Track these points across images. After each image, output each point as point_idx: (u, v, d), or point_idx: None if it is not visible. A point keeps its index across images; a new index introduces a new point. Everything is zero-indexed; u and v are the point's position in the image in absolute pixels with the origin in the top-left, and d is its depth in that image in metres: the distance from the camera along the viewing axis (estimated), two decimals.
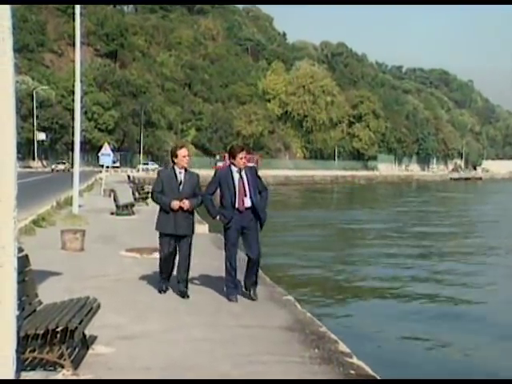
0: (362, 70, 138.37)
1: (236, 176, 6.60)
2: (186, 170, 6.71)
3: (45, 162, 70.44)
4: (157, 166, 70.65)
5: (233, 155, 6.60)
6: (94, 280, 7.84)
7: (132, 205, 18.48)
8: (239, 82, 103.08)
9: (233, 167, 6.63)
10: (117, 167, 67.30)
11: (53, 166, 61.67)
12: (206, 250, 10.43)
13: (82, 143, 19.12)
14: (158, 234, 6.94)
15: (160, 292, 6.94)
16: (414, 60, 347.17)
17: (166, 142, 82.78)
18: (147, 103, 79.77)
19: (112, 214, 17.68)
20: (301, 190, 58.63)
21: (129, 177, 39.12)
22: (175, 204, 6.58)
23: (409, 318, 10.19)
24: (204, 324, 5.85)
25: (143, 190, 27.84)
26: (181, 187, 6.65)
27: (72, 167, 24.38)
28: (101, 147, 29.69)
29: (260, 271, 6.90)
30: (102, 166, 29.81)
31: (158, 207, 6.90)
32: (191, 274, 7.07)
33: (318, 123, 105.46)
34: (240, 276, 6.94)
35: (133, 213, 17.91)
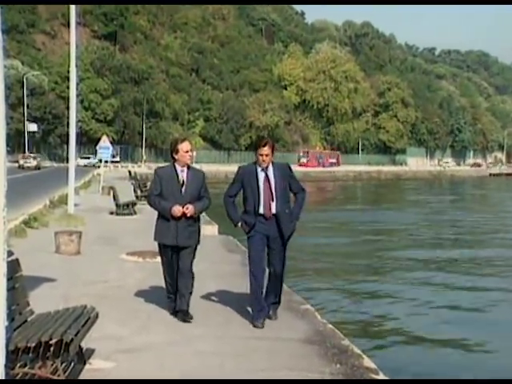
0: (389, 53, 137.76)
1: (261, 176, 6.09)
2: (188, 167, 6.23)
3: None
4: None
5: (255, 150, 6.13)
6: (92, 287, 7.85)
7: (133, 204, 18.54)
8: (252, 68, 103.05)
9: (258, 165, 6.14)
10: (117, 162, 67.65)
11: (21, 162, 52.06)
12: (216, 254, 10.43)
13: (77, 135, 19.18)
14: (157, 244, 6.47)
15: (173, 314, 6.43)
16: (449, 41, 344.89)
17: (170, 133, 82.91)
18: (150, 91, 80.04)
19: (111, 213, 17.75)
20: (320, 188, 58.50)
21: (130, 173, 39.14)
22: (177, 210, 6.05)
23: (441, 327, 10.12)
24: (213, 336, 5.84)
25: (146, 187, 27.91)
26: (183, 189, 6.15)
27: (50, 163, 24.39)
28: (99, 140, 29.86)
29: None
30: (101, 160, 29.98)
31: (156, 212, 6.37)
32: (199, 279, 6.82)
33: (340, 113, 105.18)
34: None
35: (134, 212, 17.97)
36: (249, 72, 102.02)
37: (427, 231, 25.45)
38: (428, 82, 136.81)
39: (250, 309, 6.40)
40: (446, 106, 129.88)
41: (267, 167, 6.11)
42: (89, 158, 67.70)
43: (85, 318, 4.62)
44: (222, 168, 72.48)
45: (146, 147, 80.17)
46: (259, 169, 6.12)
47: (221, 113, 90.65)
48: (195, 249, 6.31)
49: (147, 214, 18.07)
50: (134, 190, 23.46)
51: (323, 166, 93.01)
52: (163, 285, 6.46)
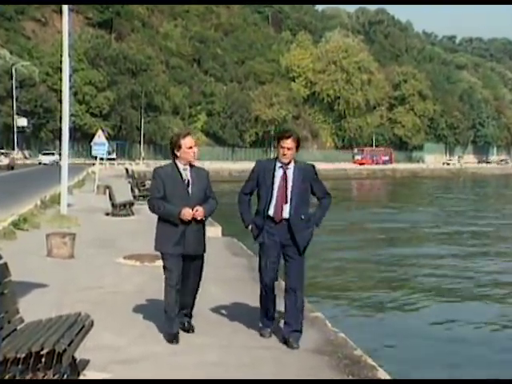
0: (405, 42, 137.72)
1: (279, 173, 5.78)
2: (191, 165, 5.91)
3: (27, 153, 71.11)
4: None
5: (277, 142, 5.84)
6: (87, 293, 7.85)
7: (131, 204, 18.56)
8: (258, 58, 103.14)
9: (277, 161, 5.82)
10: (113, 159, 67.79)
11: None
12: (220, 257, 10.40)
13: (71, 130, 19.23)
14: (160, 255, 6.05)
15: (172, 341, 5.81)
16: (470, 28, 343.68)
17: (170, 129, 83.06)
18: (149, 83, 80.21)
19: (107, 214, 17.78)
20: (331, 187, 58.30)
21: (127, 170, 39.27)
22: (187, 213, 5.71)
23: (460, 342, 10.07)
24: (217, 345, 5.83)
25: (144, 186, 27.95)
26: (189, 190, 5.83)
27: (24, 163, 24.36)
28: (94, 135, 29.90)
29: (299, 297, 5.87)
30: (96, 157, 30.02)
31: (150, 224, 6.09)
32: (202, 285, 6.62)
33: (352, 106, 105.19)
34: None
35: (132, 213, 18.00)
36: (254, 63, 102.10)
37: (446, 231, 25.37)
38: (447, 73, 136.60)
39: (260, 323, 6.20)
40: (467, 99, 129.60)
41: (288, 164, 5.76)
42: (53, 153, 61.89)
43: (79, 327, 4.60)
44: (225, 166, 72.54)
45: (144, 143, 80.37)
46: (278, 165, 5.79)
47: (224, 106, 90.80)
48: (202, 256, 6.05)
49: (145, 215, 18.07)
50: (132, 189, 23.50)
51: (377, 164, 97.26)
52: (163, 290, 6.19)
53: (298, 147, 5.78)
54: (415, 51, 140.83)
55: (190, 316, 6.21)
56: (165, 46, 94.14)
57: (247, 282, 8.92)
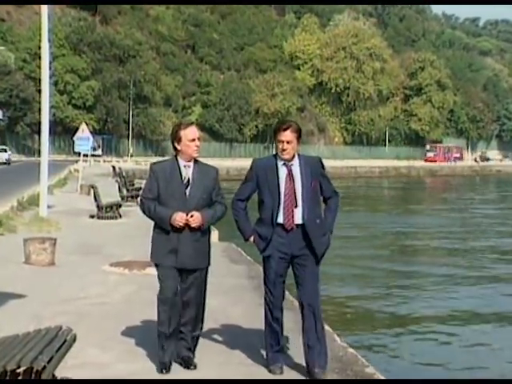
0: (423, 26, 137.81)
1: (282, 171, 5.42)
2: (195, 161, 5.52)
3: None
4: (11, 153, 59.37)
5: (274, 134, 5.48)
6: (69, 304, 7.83)
7: (118, 205, 18.57)
8: (259, 44, 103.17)
9: (279, 158, 5.46)
10: (98, 156, 67.78)
11: None
12: (217, 265, 10.35)
13: (51, 124, 19.19)
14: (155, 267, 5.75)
15: (162, 370, 5.47)
16: (495, 10, 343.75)
17: (162, 122, 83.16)
18: (137, 71, 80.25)
19: (92, 216, 17.78)
20: (340, 186, 58.36)
21: (114, 168, 39.34)
22: (179, 218, 5.33)
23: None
24: (215, 362, 5.81)
25: (133, 185, 28.02)
26: (188, 191, 5.43)
27: None
28: (77, 129, 29.90)
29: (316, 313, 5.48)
30: (79, 154, 30.02)
31: (152, 222, 5.63)
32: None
33: (363, 97, 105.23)
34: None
35: (119, 215, 18.01)
36: (255, 49, 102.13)
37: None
38: (470, 60, 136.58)
39: (265, 354, 5.76)
40: (491, 88, 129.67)
41: (291, 160, 5.40)
42: (4, 150, 57.75)
43: (60, 342, 4.58)
44: (223, 163, 72.59)
45: (132, 138, 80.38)
46: (280, 163, 5.42)
47: (221, 97, 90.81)
48: (206, 272, 5.61)
49: (135, 218, 18.08)
50: (119, 189, 23.52)
51: (449, 161, 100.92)
52: (155, 300, 5.97)
53: (299, 138, 5.41)
54: (433, 36, 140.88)
55: (193, 348, 5.65)
56: (155, 30, 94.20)
57: (248, 291, 8.90)
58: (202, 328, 5.70)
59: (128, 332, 6.70)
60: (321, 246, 5.45)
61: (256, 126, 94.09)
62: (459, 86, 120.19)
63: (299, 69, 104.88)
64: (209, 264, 5.62)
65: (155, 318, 6.68)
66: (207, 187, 5.50)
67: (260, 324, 7.19)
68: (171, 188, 5.44)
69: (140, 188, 25.76)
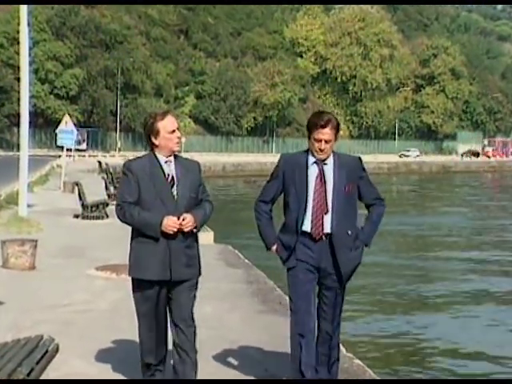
0: (436, 9, 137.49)
1: (313, 171, 5.09)
2: (176, 157, 5.15)
3: None
4: None
5: (308, 132, 5.12)
6: (51, 311, 7.81)
7: (105, 204, 18.56)
8: (257, 29, 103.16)
9: (310, 155, 5.12)
10: (83, 150, 67.76)
11: None
12: (213, 269, 10.35)
13: (31, 115, 19.14)
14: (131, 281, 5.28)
15: None
16: None
17: None
18: (126, 58, 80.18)
19: (76, 216, 17.78)
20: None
21: (100, 164, 39.36)
22: (172, 223, 4.92)
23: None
24: (211, 374, 5.80)
25: None
26: (174, 190, 5.05)
27: None
28: (59, 121, 29.86)
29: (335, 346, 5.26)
30: (62, 148, 29.98)
31: (129, 228, 5.18)
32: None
33: (371, 87, 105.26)
34: None
35: (106, 215, 18.00)
36: (253, 34, 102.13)
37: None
38: (487, 46, 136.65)
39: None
40: (510, 77, 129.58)
41: (325, 159, 5.08)
42: None
43: (41, 352, 4.57)
44: (219, 158, 72.65)
45: (120, 131, 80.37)
46: (311, 160, 5.08)
47: (217, 87, 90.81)
48: (197, 282, 5.21)
49: None
50: (106, 187, 23.51)
51: (506, 156, 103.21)
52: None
53: (337, 135, 5.08)
54: (447, 19, 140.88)
55: (196, 371, 5.19)
56: (145, 14, 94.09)
57: (246, 297, 8.88)
58: (196, 351, 5.18)
59: (115, 342, 6.68)
60: (347, 263, 5.06)
61: (254, 118, 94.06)
62: (475, 75, 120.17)
63: (301, 56, 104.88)
64: (200, 273, 5.22)
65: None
66: (194, 184, 5.14)
67: (259, 332, 7.20)
68: (155, 189, 5.00)
69: None
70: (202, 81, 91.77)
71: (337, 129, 5.06)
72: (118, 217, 5.15)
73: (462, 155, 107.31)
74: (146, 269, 5.02)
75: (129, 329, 7.12)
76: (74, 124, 30.61)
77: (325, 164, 5.07)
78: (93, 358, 6.16)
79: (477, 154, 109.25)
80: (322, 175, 5.05)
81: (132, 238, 5.16)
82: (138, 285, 5.12)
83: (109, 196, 22.07)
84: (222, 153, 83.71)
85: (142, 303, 5.16)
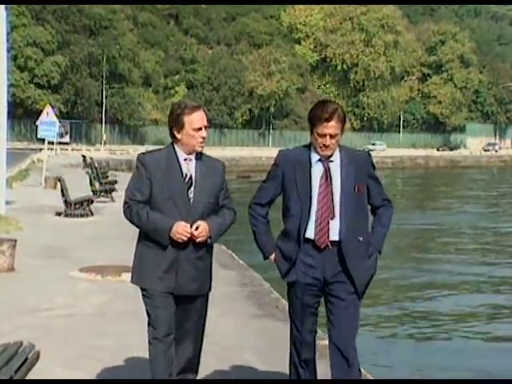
0: None
1: (317, 169, 4.77)
2: (198, 155, 4.90)
3: None
4: None
5: (311, 125, 4.84)
6: (31, 316, 7.80)
7: (89, 201, 18.53)
8: (253, 14, 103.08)
9: (313, 151, 4.82)
10: (65, 143, 67.62)
11: None
12: None
13: (9, 105, 19.10)
14: (135, 282, 5.04)
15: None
16: None
17: (140, 104, 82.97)
18: (112, 45, 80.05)
19: (59, 214, 17.74)
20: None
21: (84, 158, 39.26)
22: (182, 230, 4.67)
23: None
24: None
25: (107, 177, 27.94)
26: (191, 193, 4.80)
27: None
28: (40, 112, 29.78)
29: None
30: (43, 141, 29.91)
31: (136, 231, 4.96)
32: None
33: (373, 76, 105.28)
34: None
35: (91, 213, 18.00)
36: (248, 20, 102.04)
37: None
38: (498, 31, 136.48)
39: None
40: None
41: (331, 156, 4.77)
42: None
43: (20, 360, 4.55)
44: (211, 153, 71.59)
45: (106, 123, 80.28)
46: (315, 157, 4.78)
47: (210, 76, 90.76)
48: (207, 300, 5.02)
49: (109, 215, 18.03)
50: (91, 183, 23.43)
51: None
52: (131, 311, 5.95)
53: (343, 129, 4.76)
54: (456, 4, 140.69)
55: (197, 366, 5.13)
56: None
57: (240, 301, 8.88)
58: (197, 371, 5.07)
59: (101, 347, 6.67)
60: (362, 273, 4.77)
61: (249, 110, 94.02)
62: (486, 63, 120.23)
63: (299, 43, 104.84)
64: (209, 289, 5.00)
65: (131, 331, 6.67)
66: (214, 188, 4.86)
67: (255, 337, 7.20)
68: (168, 189, 4.75)
69: (115, 181, 25.74)
70: (194, 69, 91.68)
71: (343, 121, 4.73)
72: (125, 215, 4.88)
73: (437, 149, 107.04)
74: (148, 277, 4.79)
75: (114, 334, 7.12)
76: (56, 115, 30.53)
77: (330, 161, 4.74)
78: (76, 366, 6.13)
79: (452, 149, 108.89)
80: (327, 174, 4.72)
81: (138, 240, 4.91)
82: (147, 292, 4.85)
83: (94, 192, 21.99)
84: (214, 147, 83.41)
85: (153, 312, 4.82)
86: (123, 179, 29.97)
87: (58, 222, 16.92)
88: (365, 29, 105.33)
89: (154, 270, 4.76)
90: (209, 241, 4.77)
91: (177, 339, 4.87)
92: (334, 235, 4.69)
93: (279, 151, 5.01)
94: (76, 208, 17.84)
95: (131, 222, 4.84)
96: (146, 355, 4.77)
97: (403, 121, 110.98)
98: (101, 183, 24.45)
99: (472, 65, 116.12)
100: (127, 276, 9.30)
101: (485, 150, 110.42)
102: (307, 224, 4.72)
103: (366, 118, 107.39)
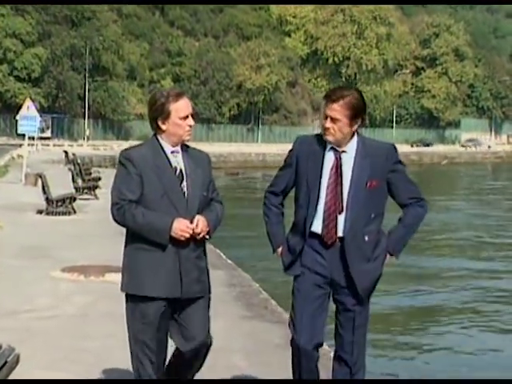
0: None
1: (329, 159, 4.59)
2: (182, 147, 4.73)
3: None
4: None
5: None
6: (11, 318, 7.77)
7: (72, 198, 18.47)
8: (241, 5, 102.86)
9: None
10: (47, 138, 67.42)
11: None
12: None
13: None
14: (124, 287, 4.65)
15: None
16: None
17: (125, 98, 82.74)
18: (95, 36, 79.78)
19: (40, 212, 17.69)
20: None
21: (67, 154, 39.15)
22: (183, 227, 4.46)
23: None
24: None
25: (90, 174, 27.88)
26: (184, 187, 4.60)
27: None
28: (21, 106, 29.67)
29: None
30: (24, 136, 29.79)
31: (120, 228, 4.73)
32: None
33: (366, 70, 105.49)
34: None
35: (73, 211, 17.94)
36: (236, 11, 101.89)
37: None
38: (494, 24, 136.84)
39: None
40: None
41: (343, 145, 4.57)
42: None
43: (0, 363, 4.52)
44: (198, 148, 72.08)
45: (89, 118, 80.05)
46: (329, 146, 4.58)
47: (197, 69, 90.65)
48: (209, 302, 4.79)
49: (92, 213, 17.99)
50: (73, 179, 23.38)
51: None
52: (114, 312, 5.89)
53: (355, 118, 4.53)
54: None
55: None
56: None
57: (229, 303, 8.87)
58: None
59: (85, 350, 6.66)
60: (363, 276, 4.53)
61: (238, 105, 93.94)
62: (481, 56, 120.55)
63: (289, 35, 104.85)
64: (209, 291, 4.76)
65: (115, 333, 6.65)
66: (204, 181, 4.69)
67: (243, 339, 7.19)
68: (162, 185, 4.51)
69: (98, 178, 25.70)
70: (180, 62, 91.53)
71: (353, 110, 4.49)
72: (115, 218, 4.56)
73: (411, 145, 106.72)
74: (149, 283, 4.49)
75: (97, 336, 7.10)
76: (37, 109, 30.40)
77: (344, 152, 4.55)
78: (57, 369, 6.11)
79: (428, 145, 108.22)
80: (338, 166, 4.53)
81: (127, 243, 4.61)
82: (135, 302, 4.54)
83: (76, 189, 21.94)
84: (201, 142, 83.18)
85: (141, 325, 4.53)
86: (107, 176, 29.91)
87: (39, 220, 16.86)
88: (357, 21, 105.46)
89: (153, 274, 4.48)
90: (207, 237, 4.58)
91: (185, 345, 4.62)
92: (340, 231, 4.51)
93: (297, 137, 4.84)
94: (58, 206, 17.77)
95: (123, 225, 4.54)
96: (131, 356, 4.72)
97: (396, 116, 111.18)
98: (84, 180, 24.40)
99: (467, 58, 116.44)
100: (111, 276, 9.28)
101: (462, 146, 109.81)
102: (314, 216, 4.54)
103: None
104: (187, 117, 4.63)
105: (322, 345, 4.66)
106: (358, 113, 4.52)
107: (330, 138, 4.51)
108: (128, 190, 4.49)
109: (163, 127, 4.58)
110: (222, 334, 7.32)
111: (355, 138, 4.59)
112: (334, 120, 4.48)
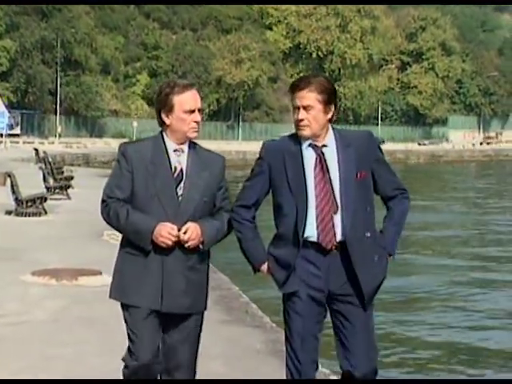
0: None
1: (309, 157, 4.34)
2: (191, 145, 4.49)
3: None
4: None
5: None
6: None
7: (43, 198, 18.41)
8: None
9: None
10: (16, 135, 67.08)
11: None
12: None
13: None
14: (111, 292, 4.53)
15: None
16: None
17: (98, 93, 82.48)
18: (66, 28, 79.52)
19: (9, 213, 17.63)
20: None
21: (37, 152, 39.00)
22: (165, 233, 4.24)
23: None
24: None
25: (62, 173, 27.76)
26: (180, 189, 4.38)
27: None
28: None
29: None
30: None
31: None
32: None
33: (350, 64, 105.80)
34: None
35: (44, 211, 17.88)
36: (215, 3, 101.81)
37: None
38: (482, 17, 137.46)
39: None
40: (508, 53, 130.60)
41: (322, 140, 4.34)
42: None
43: None
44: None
45: (60, 114, 79.74)
46: (305, 144, 4.33)
47: (174, 64, 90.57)
48: (201, 320, 4.62)
49: (64, 214, 17.93)
50: (44, 179, 23.29)
51: None
52: (88, 317, 5.90)
53: (329, 104, 4.28)
54: None
55: None
56: None
57: (216, 311, 8.85)
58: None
59: (57, 357, 6.63)
60: (370, 279, 4.31)
61: (217, 100, 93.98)
62: (469, 51, 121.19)
63: (271, 29, 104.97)
64: (205, 307, 4.57)
65: (88, 339, 6.63)
66: (210, 186, 4.43)
67: (222, 345, 7.19)
68: (153, 184, 4.33)
69: (71, 177, 25.60)
70: (156, 56, 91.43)
71: (326, 94, 4.25)
72: (102, 215, 4.46)
73: (382, 141, 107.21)
74: (133, 292, 4.33)
75: (70, 342, 7.07)
76: (6, 105, 30.29)
77: (324, 146, 4.30)
78: (27, 376, 6.06)
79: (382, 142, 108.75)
80: (322, 162, 4.28)
81: (120, 246, 4.48)
82: (123, 308, 4.42)
83: (47, 189, 21.86)
84: None
85: (130, 335, 4.37)
86: (80, 175, 29.90)
87: (7, 221, 16.78)
88: (340, 13, 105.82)
89: (136, 282, 4.32)
90: (200, 247, 4.32)
91: (168, 371, 4.46)
92: (339, 234, 4.25)
93: (263, 143, 4.51)
94: (28, 206, 17.70)
95: (109, 224, 4.44)
96: (104, 364, 4.72)
97: (381, 113, 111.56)
98: (55, 179, 24.29)
99: (454, 53, 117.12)
100: (84, 280, 9.25)
101: (418, 144, 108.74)
102: (305, 222, 4.25)
103: (341, 109, 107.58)
104: (193, 111, 4.41)
105: (317, 365, 4.45)
106: (330, 97, 4.27)
107: (305, 131, 4.25)
108: (117, 188, 4.36)
109: (167, 121, 4.41)
110: (202, 339, 7.32)
111: (330, 130, 4.35)
112: (306, 108, 4.22)
